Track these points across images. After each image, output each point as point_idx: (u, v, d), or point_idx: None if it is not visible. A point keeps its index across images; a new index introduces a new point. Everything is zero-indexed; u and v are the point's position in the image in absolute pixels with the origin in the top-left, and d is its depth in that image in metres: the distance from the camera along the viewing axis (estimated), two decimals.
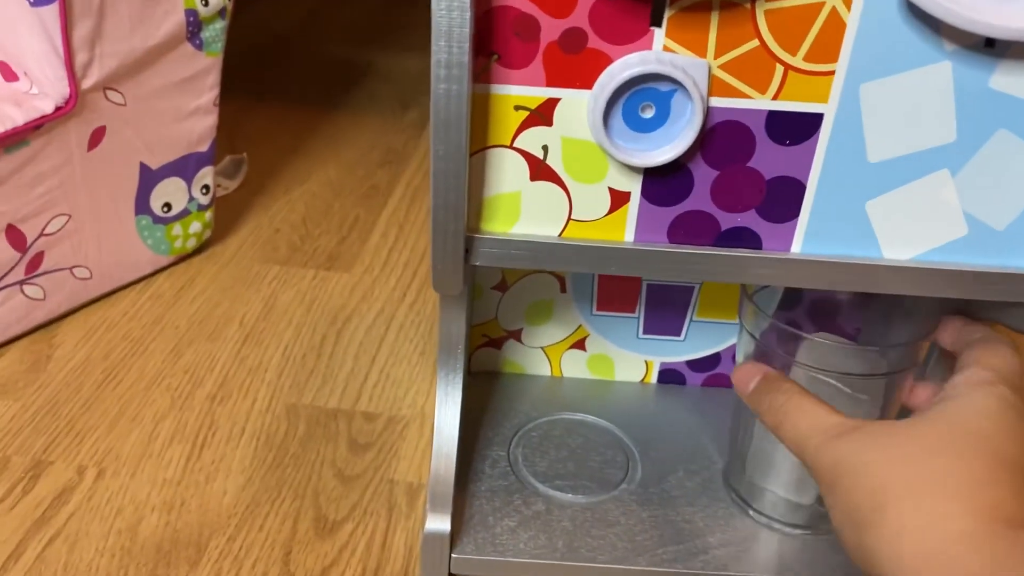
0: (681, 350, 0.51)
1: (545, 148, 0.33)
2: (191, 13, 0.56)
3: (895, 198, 0.33)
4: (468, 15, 0.28)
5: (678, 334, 0.50)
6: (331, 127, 0.87)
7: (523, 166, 0.33)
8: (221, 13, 0.58)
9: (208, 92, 0.59)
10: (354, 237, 0.70)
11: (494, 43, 0.31)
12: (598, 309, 0.49)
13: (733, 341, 0.50)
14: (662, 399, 0.51)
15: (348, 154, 0.82)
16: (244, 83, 0.93)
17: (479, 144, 0.33)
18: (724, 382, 0.52)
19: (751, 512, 0.44)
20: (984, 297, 0.35)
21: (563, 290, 0.48)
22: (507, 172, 0.33)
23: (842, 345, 0.39)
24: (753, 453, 0.43)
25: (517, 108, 0.32)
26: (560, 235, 0.35)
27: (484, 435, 0.48)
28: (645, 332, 0.50)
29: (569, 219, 0.34)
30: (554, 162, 0.33)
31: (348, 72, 1.00)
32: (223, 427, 0.51)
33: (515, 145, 0.33)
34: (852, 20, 0.30)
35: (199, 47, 0.57)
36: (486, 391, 0.51)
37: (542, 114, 0.32)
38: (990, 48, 0.31)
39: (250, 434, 0.50)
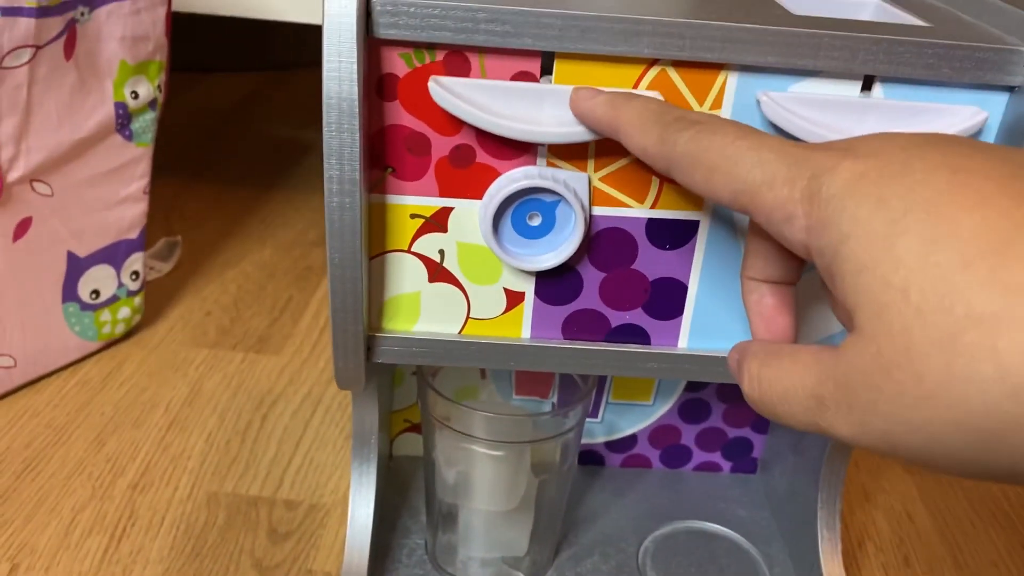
0: (598, 431, 0.52)
1: (442, 252, 0.35)
2: (120, 106, 0.57)
3: None
4: (357, 136, 0.30)
5: (595, 416, 0.52)
6: (269, 207, 0.88)
7: (421, 269, 0.35)
8: (151, 104, 0.59)
9: (138, 181, 0.60)
10: (286, 318, 0.70)
11: (388, 157, 0.33)
12: (517, 394, 0.50)
13: (649, 422, 0.52)
14: (581, 481, 0.52)
15: (285, 234, 0.83)
16: (183, 163, 0.94)
17: (378, 248, 0.34)
18: (643, 462, 0.54)
19: None
20: None
21: (483, 376, 0.49)
22: (406, 274, 0.35)
23: (485, 413, 0.40)
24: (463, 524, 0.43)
25: (413, 216, 0.34)
26: (460, 332, 0.36)
27: (403, 523, 0.48)
28: None
29: (468, 318, 0.36)
30: (451, 265, 0.35)
31: (288, 152, 1.02)
32: (143, 517, 0.50)
33: (413, 250, 0.35)
34: None
35: (129, 138, 0.59)
36: (407, 477, 0.52)
37: (437, 221, 0.34)
38: None
39: (170, 524, 0.50)
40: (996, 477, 0.20)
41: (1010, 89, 0.31)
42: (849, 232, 0.21)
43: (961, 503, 0.55)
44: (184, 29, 0.62)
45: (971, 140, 0.22)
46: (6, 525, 0.49)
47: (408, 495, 0.50)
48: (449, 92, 0.30)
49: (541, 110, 0.30)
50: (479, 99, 0.30)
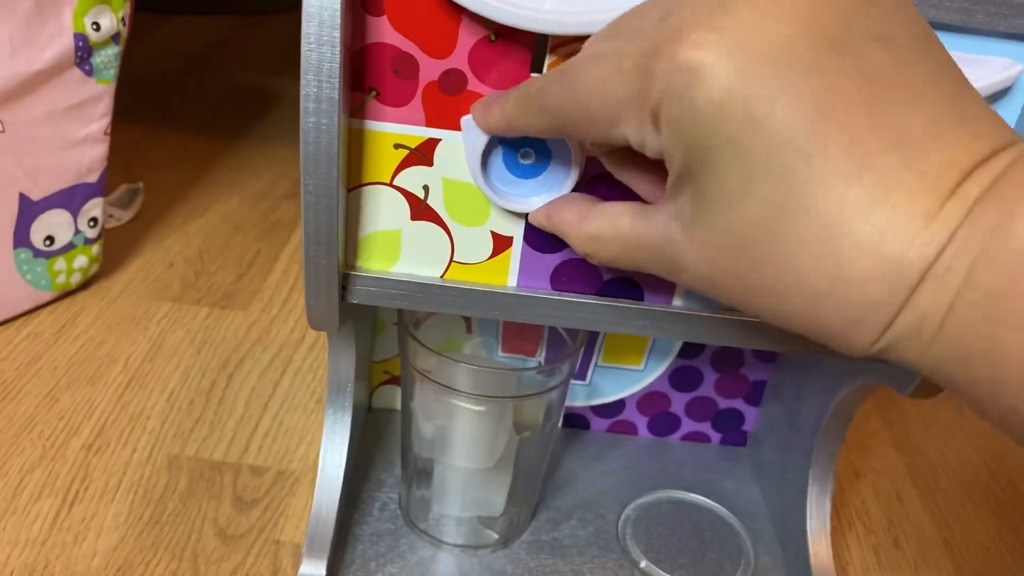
0: (585, 395, 0.50)
1: (426, 188, 0.32)
2: (80, 37, 0.53)
3: None
4: (338, 50, 0.27)
5: (583, 378, 0.49)
6: (238, 156, 0.84)
7: (403, 205, 0.32)
8: (114, 38, 0.55)
9: (98, 120, 0.57)
10: (253, 273, 0.67)
11: (371, 79, 0.30)
12: (504, 350, 0.47)
13: (639, 387, 0.50)
14: (563, 443, 0.50)
15: (253, 185, 0.79)
16: (149, 108, 0.90)
17: (356, 180, 0.32)
18: (629, 429, 0.52)
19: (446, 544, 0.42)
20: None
21: (468, 330, 0.47)
22: (386, 210, 0.32)
23: (468, 366, 0.38)
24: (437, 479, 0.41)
25: (396, 146, 0.31)
26: (442, 276, 0.34)
27: (377, 476, 0.46)
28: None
29: (451, 261, 0.33)
30: (435, 203, 0.32)
31: (259, 100, 0.98)
32: (97, 480, 0.47)
33: (395, 183, 0.32)
34: None
35: (89, 73, 0.55)
36: (385, 430, 0.49)
37: (422, 154, 0.31)
38: None
39: (126, 488, 0.47)
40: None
41: None
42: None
43: (952, 484, 0.54)
44: None
45: None
46: None
47: (385, 448, 0.48)
48: None
49: (545, 1, 0.27)
50: None
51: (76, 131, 0.56)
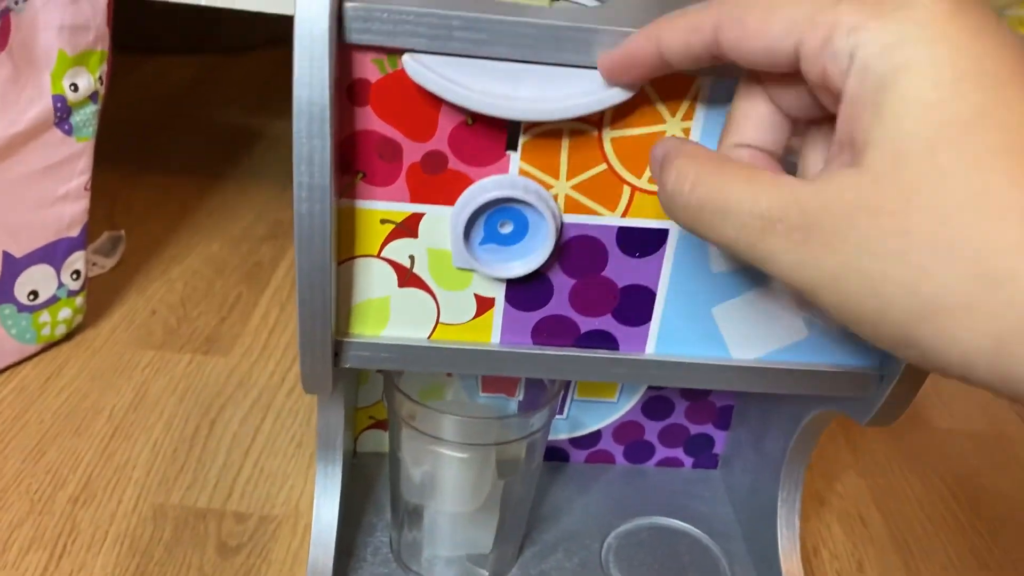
0: (563, 428, 0.53)
1: (412, 258, 0.34)
2: (59, 99, 0.54)
3: (738, 304, 0.36)
4: (328, 143, 0.29)
5: (561, 412, 0.52)
6: (217, 199, 0.85)
7: (391, 274, 0.34)
8: (92, 97, 0.57)
9: (78, 177, 0.58)
10: (234, 318, 0.68)
11: (359, 163, 0.32)
12: (484, 391, 0.50)
13: (613, 418, 0.52)
14: (545, 477, 0.52)
15: (233, 228, 0.81)
16: (127, 151, 0.90)
17: (347, 253, 0.34)
18: (606, 458, 0.54)
19: None
20: (824, 392, 0.38)
21: (449, 375, 0.49)
22: (375, 279, 0.34)
23: (452, 416, 0.40)
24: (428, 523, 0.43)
25: (383, 222, 0.33)
26: (429, 337, 0.36)
27: (368, 521, 0.48)
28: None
29: (437, 323, 0.35)
30: (421, 270, 0.34)
31: (237, 140, 0.99)
32: (85, 532, 0.48)
33: (383, 255, 0.34)
34: None
35: (68, 132, 0.56)
36: (372, 474, 0.51)
37: (407, 227, 0.33)
38: None
39: (113, 539, 0.48)
40: (879, 344, 0.20)
41: None
42: (912, 66, 0.19)
43: (913, 507, 0.56)
44: (127, 8, 0.59)
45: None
46: None
47: (373, 492, 0.50)
48: (425, 67, 0.29)
49: (518, 89, 0.30)
50: (455, 76, 0.29)
51: (56, 189, 0.57)
